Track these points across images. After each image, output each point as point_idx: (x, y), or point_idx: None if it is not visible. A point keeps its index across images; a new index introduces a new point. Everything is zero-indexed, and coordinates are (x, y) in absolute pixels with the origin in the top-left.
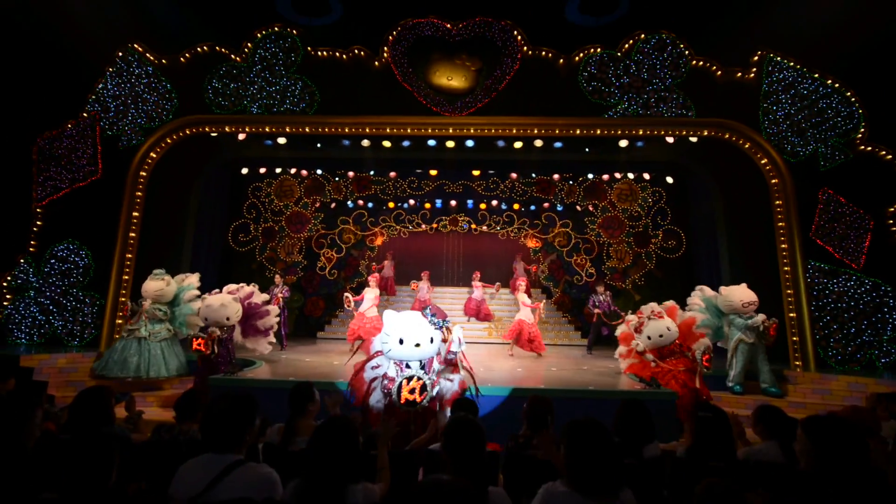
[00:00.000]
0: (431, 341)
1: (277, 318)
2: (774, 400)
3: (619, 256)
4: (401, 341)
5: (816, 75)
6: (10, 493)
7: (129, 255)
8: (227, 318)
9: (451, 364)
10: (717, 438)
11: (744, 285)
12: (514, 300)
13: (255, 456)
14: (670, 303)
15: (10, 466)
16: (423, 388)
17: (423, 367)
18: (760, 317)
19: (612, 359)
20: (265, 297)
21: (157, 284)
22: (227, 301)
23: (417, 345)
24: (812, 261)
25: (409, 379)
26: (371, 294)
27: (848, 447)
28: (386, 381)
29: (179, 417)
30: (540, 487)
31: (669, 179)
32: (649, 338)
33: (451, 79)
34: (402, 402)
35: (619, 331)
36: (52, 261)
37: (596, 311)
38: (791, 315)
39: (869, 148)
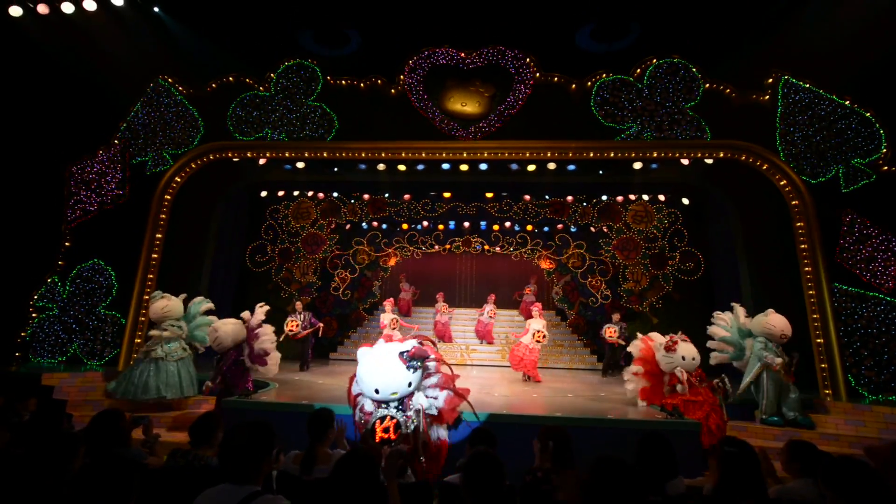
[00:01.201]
0: (409, 385)
1: (272, 342)
2: (805, 433)
3: (635, 278)
4: (377, 391)
5: (833, 96)
6: None
7: (151, 276)
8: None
9: (436, 384)
10: (746, 475)
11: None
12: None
13: (269, 485)
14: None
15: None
16: (398, 426)
17: (400, 404)
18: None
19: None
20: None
21: (161, 303)
22: (220, 325)
23: (394, 393)
24: (838, 284)
25: (383, 419)
26: (386, 318)
27: (870, 493)
28: (362, 414)
29: (194, 442)
30: None
31: (685, 201)
32: (683, 358)
33: (466, 104)
34: (377, 440)
35: (636, 347)
36: (78, 280)
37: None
38: (818, 341)
39: (893, 168)
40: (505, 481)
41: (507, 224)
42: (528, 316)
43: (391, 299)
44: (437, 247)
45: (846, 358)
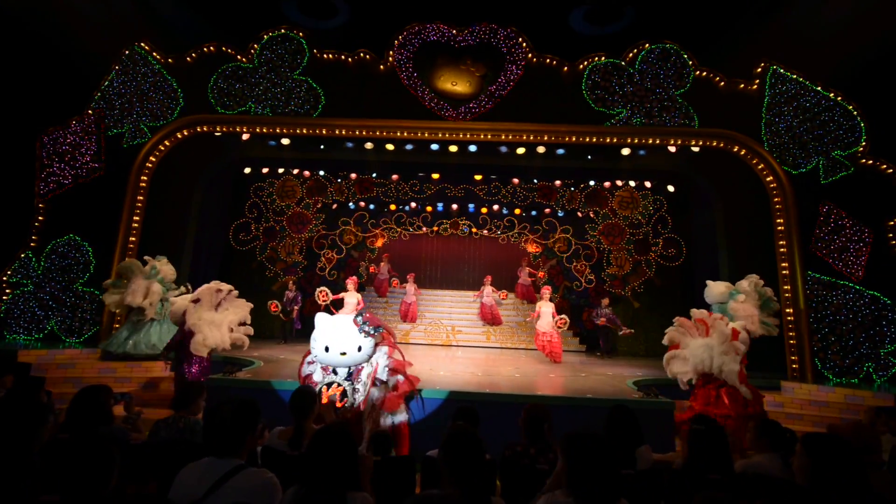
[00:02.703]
0: (359, 349)
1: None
2: (771, 412)
3: (618, 263)
4: (326, 349)
5: (819, 88)
6: (11, 497)
7: (130, 253)
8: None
9: (387, 366)
10: (713, 451)
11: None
12: (517, 305)
13: (254, 459)
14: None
15: (15, 471)
16: (343, 394)
17: (349, 375)
18: None
19: (611, 366)
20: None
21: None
22: (174, 299)
23: (343, 353)
24: (811, 272)
25: (329, 385)
26: (352, 298)
27: (847, 467)
28: (310, 384)
29: (175, 406)
30: (538, 497)
31: (671, 188)
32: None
33: (456, 84)
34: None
35: (671, 339)
36: (53, 256)
37: (600, 321)
38: (789, 326)
39: (870, 161)
40: (484, 456)
41: (496, 207)
42: (524, 297)
43: (354, 277)
44: (424, 228)
45: (814, 343)
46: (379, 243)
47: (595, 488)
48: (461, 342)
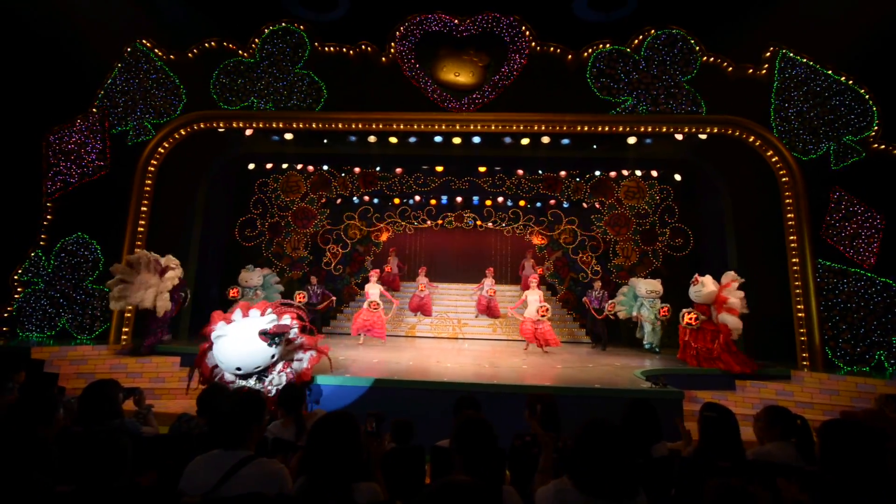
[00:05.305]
0: (273, 357)
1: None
2: (781, 400)
3: (625, 254)
4: (238, 369)
5: (829, 71)
6: (26, 488)
7: (138, 250)
8: None
9: (299, 346)
10: (724, 438)
11: (658, 281)
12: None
13: (264, 450)
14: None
15: (29, 462)
16: None
17: (262, 375)
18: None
19: (618, 356)
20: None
21: (251, 274)
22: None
23: (258, 367)
24: (822, 260)
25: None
26: (374, 290)
27: (868, 454)
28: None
29: (200, 411)
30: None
31: (677, 177)
32: None
33: (459, 74)
34: None
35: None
36: (62, 254)
37: (588, 302)
38: (800, 315)
39: (882, 146)
40: (496, 444)
41: (500, 199)
42: (527, 288)
43: (377, 270)
44: (429, 222)
45: (825, 331)
46: (384, 237)
47: (607, 480)
48: (467, 335)
